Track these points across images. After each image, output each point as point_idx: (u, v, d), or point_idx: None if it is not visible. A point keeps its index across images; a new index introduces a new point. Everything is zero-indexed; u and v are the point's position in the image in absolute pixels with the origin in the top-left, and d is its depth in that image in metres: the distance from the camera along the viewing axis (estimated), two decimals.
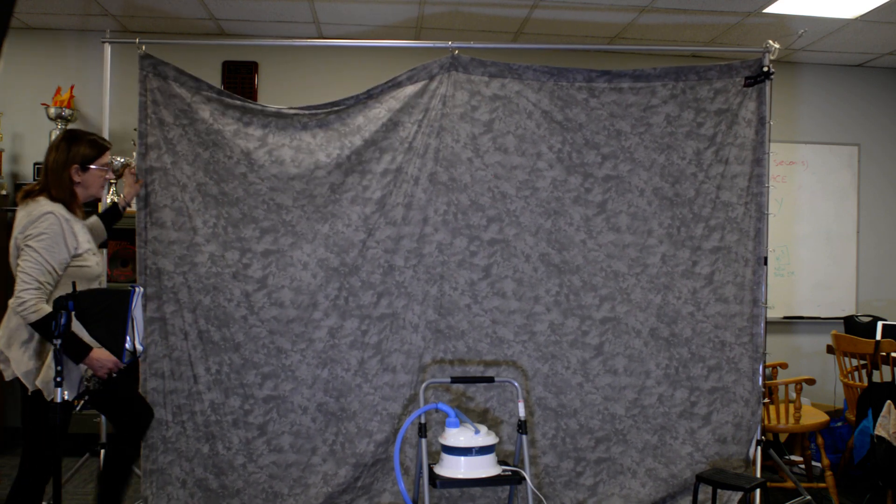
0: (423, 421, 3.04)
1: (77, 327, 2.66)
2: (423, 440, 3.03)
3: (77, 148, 2.83)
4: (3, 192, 4.71)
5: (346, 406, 3.50)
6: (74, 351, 2.65)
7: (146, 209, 3.42)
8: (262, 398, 3.46)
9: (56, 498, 3.03)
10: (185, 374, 3.43)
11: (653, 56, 5.33)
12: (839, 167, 5.49)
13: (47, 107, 4.71)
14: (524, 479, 2.98)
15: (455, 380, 3.19)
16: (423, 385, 3.21)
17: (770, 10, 4.41)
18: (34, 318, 2.61)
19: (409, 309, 3.52)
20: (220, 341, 3.44)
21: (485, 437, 2.95)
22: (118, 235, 4.38)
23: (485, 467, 2.94)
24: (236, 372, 3.45)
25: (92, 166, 2.86)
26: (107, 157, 2.92)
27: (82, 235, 2.80)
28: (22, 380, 2.71)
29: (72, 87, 4.82)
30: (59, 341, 3.00)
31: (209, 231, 3.45)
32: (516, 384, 3.17)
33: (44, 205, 2.72)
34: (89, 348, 2.68)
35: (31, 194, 2.77)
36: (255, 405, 3.45)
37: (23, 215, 2.72)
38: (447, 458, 2.96)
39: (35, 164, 4.59)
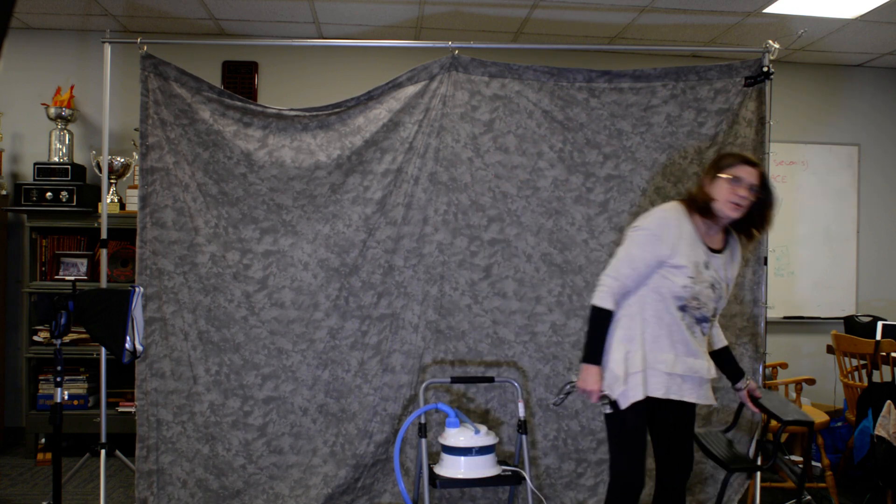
0: (423, 421, 3.04)
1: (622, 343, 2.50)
2: (423, 440, 3.03)
3: (724, 156, 2.61)
4: (3, 192, 4.71)
5: (347, 407, 3.50)
6: (588, 351, 2.53)
7: (147, 209, 3.42)
8: (261, 399, 3.46)
9: (56, 498, 3.04)
10: (185, 375, 3.43)
11: (653, 56, 5.33)
12: (839, 167, 5.49)
13: (47, 107, 4.70)
14: (524, 479, 2.98)
15: (455, 380, 3.19)
16: (423, 385, 3.21)
17: (770, 10, 4.41)
18: (594, 302, 2.51)
19: (409, 309, 3.52)
20: (219, 342, 3.44)
21: (485, 437, 2.95)
22: (118, 235, 4.38)
23: (485, 467, 2.94)
24: (236, 373, 3.44)
25: (721, 175, 2.52)
26: (741, 171, 2.50)
27: (690, 248, 2.48)
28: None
29: (72, 87, 4.82)
30: (59, 341, 3.01)
31: (210, 231, 3.45)
32: (516, 384, 3.17)
33: (667, 204, 2.59)
34: (593, 360, 2.50)
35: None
36: (254, 406, 3.45)
37: None
38: (447, 458, 2.96)
39: (35, 163, 4.58)
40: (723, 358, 2.75)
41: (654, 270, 2.49)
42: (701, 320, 2.54)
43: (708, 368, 2.55)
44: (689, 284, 2.46)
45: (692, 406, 2.63)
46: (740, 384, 2.74)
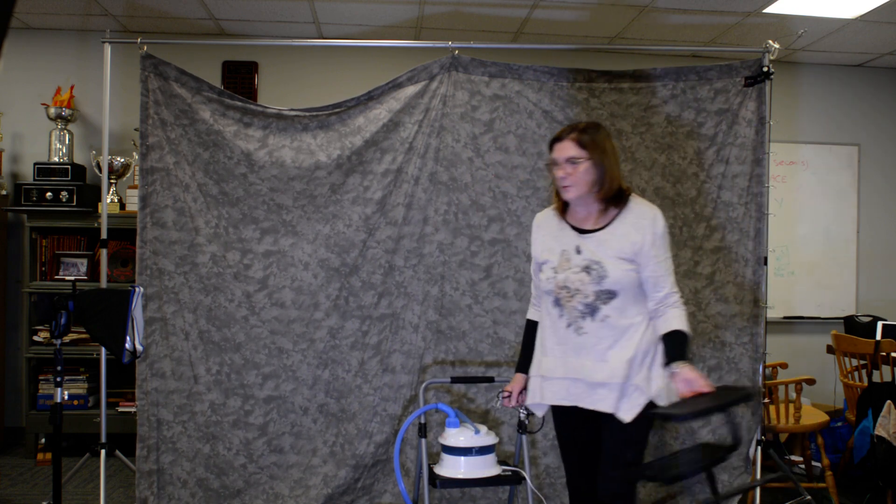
0: (423, 421, 3.04)
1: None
2: (423, 440, 3.03)
3: None
4: (3, 192, 4.71)
5: (346, 407, 3.50)
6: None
7: (147, 209, 3.42)
8: (262, 398, 3.46)
9: (56, 498, 3.04)
10: (186, 375, 3.43)
11: (653, 56, 5.32)
12: (839, 167, 5.49)
13: (47, 107, 4.70)
14: (524, 478, 2.98)
15: (455, 380, 3.19)
16: (423, 385, 3.21)
17: (770, 10, 4.41)
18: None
19: (409, 309, 3.52)
20: (220, 342, 3.44)
21: (485, 437, 2.95)
22: (118, 235, 4.38)
23: (485, 467, 2.94)
24: (237, 372, 3.44)
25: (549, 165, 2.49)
26: (554, 152, 2.42)
27: (555, 241, 2.46)
28: None
29: (72, 87, 4.81)
30: (59, 341, 3.01)
31: (211, 231, 3.45)
32: None
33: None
34: (517, 367, 2.65)
35: None
36: (255, 405, 3.45)
37: None
38: (447, 458, 2.96)
39: (35, 163, 4.58)
40: (664, 343, 2.37)
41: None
42: (588, 311, 2.35)
43: (592, 370, 2.34)
44: (550, 276, 2.42)
45: (606, 416, 2.35)
46: (670, 368, 2.32)
